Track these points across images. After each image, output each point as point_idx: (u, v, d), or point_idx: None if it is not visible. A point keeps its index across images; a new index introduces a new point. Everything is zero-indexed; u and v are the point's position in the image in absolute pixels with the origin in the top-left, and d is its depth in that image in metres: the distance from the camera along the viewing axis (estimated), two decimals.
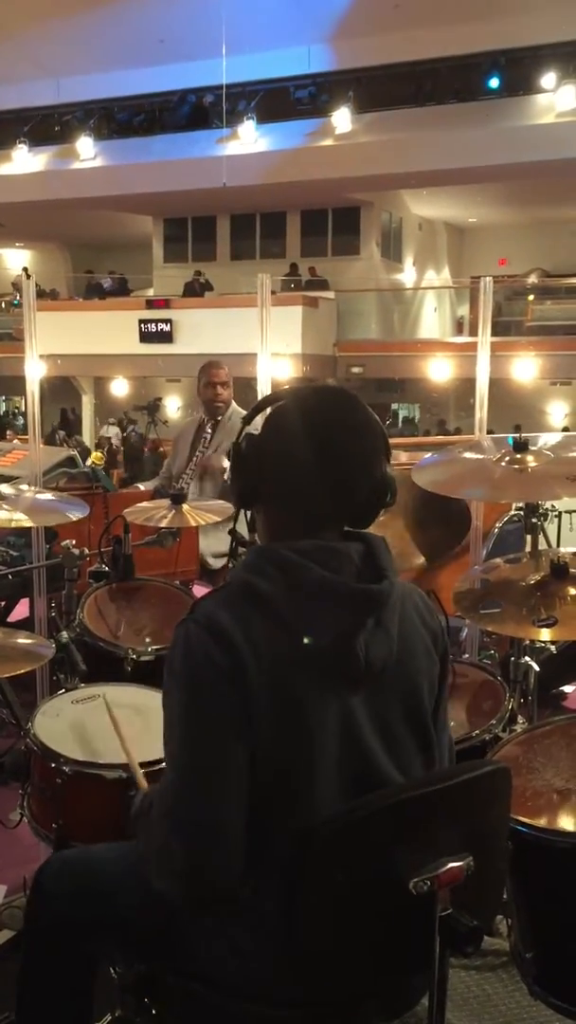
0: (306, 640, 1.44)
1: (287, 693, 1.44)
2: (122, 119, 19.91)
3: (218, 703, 1.42)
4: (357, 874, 1.42)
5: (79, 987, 1.78)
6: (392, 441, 1.66)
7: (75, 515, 2.92)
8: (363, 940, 1.44)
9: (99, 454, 4.99)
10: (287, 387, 1.63)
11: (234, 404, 4.69)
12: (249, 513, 1.70)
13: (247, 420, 1.66)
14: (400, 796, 1.46)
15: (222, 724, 1.42)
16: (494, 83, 16.51)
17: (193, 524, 3.25)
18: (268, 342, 3.64)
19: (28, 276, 3.67)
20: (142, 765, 2.08)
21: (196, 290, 19.96)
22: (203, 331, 17.49)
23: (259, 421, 1.65)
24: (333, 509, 1.54)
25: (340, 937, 1.43)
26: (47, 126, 20.36)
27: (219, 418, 4.67)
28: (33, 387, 3.64)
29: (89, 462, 5.08)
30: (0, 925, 2.52)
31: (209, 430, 4.71)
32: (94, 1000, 1.82)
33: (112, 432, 20.16)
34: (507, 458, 2.65)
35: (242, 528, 2.99)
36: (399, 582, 1.57)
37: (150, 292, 21.76)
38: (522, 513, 3.39)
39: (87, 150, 19.50)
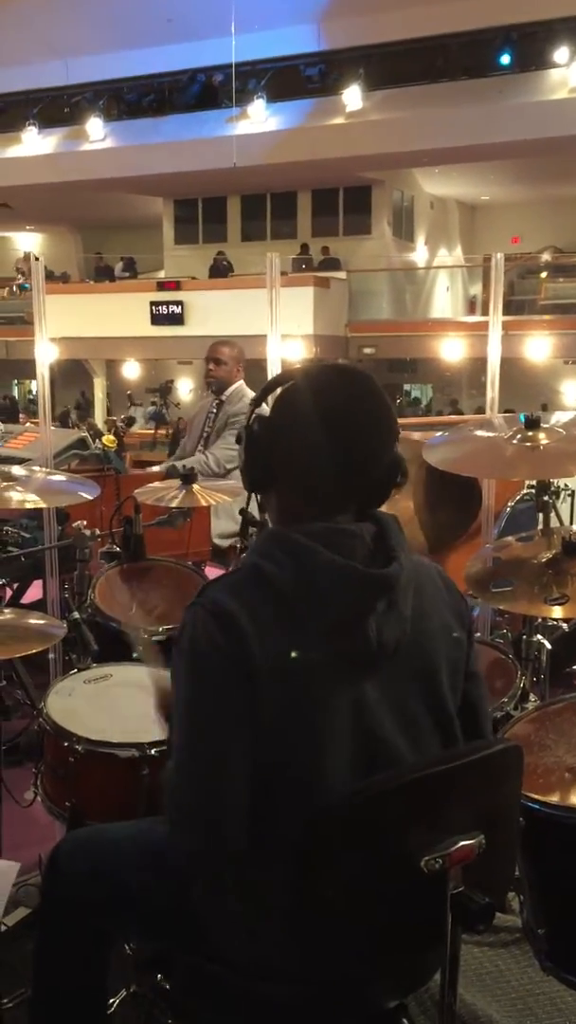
0: (314, 625, 1.44)
1: (295, 678, 1.43)
2: (131, 100, 19.82)
3: (222, 689, 1.42)
4: (369, 853, 1.42)
5: (94, 964, 1.79)
6: (403, 421, 1.66)
7: (87, 495, 2.92)
8: (376, 918, 1.45)
9: (111, 437, 4.98)
10: (296, 367, 1.61)
11: (241, 384, 4.68)
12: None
13: (256, 402, 1.64)
14: (412, 775, 1.45)
15: (225, 710, 1.42)
16: (505, 59, 16.34)
17: (204, 504, 3.25)
18: (278, 323, 3.62)
19: (36, 259, 3.66)
20: (155, 744, 2.10)
21: (221, 271, 19.78)
22: (214, 313, 17.45)
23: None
24: (346, 490, 1.52)
25: (353, 916, 1.44)
26: (56, 108, 20.30)
27: (222, 397, 4.67)
28: (44, 370, 3.64)
29: (100, 444, 5.08)
30: (16, 903, 2.54)
31: (214, 409, 4.72)
32: (109, 976, 1.84)
33: (138, 413, 20.19)
34: (519, 436, 2.63)
35: (252, 508, 3.00)
36: (417, 560, 1.56)
37: (161, 274, 21.72)
38: (534, 492, 3.37)
39: (97, 131, 19.44)
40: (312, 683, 1.44)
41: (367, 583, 1.46)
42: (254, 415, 1.58)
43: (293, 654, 1.43)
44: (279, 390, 1.58)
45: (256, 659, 1.41)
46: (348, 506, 1.54)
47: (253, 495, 1.93)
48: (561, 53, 15.86)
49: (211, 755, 1.43)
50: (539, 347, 16.67)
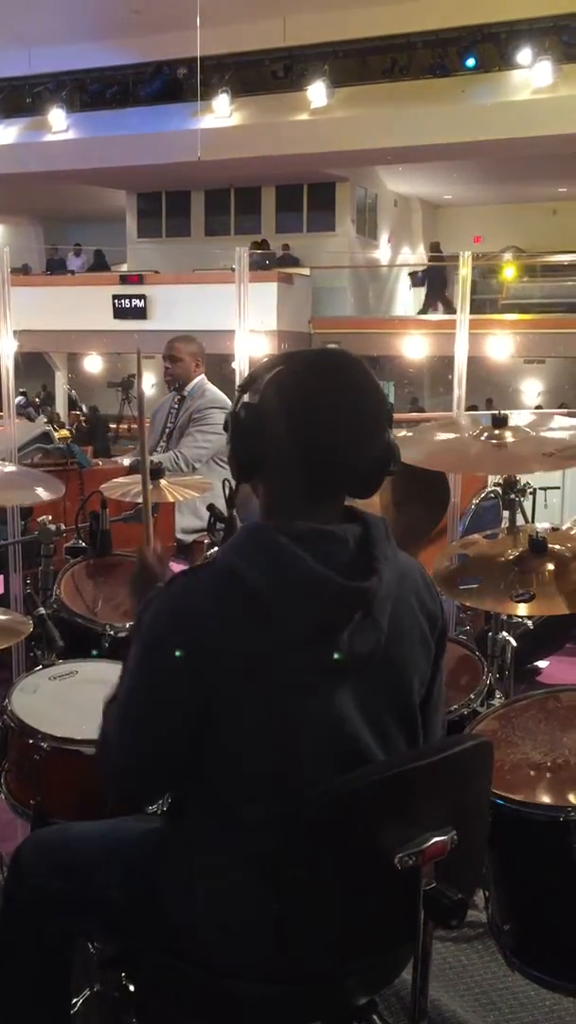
0: (286, 630, 1.42)
1: (261, 677, 1.42)
2: (95, 91, 19.62)
3: (171, 671, 1.44)
4: (342, 850, 1.42)
5: (57, 963, 1.77)
6: None
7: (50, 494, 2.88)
8: (348, 915, 1.44)
9: (66, 431, 4.94)
10: (284, 353, 1.57)
11: (202, 379, 4.67)
12: (228, 488, 1.68)
13: (243, 388, 1.56)
14: (385, 772, 1.45)
15: (169, 685, 1.46)
16: (470, 61, 16.42)
17: (171, 499, 3.23)
18: (246, 317, 3.61)
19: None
20: None
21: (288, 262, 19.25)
22: (178, 307, 17.37)
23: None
24: (336, 478, 1.50)
25: (325, 913, 1.43)
26: (18, 97, 20.05)
27: (184, 393, 4.66)
28: (7, 363, 3.59)
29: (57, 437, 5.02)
30: None
31: (176, 405, 4.71)
32: (72, 976, 1.82)
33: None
34: (485, 434, 2.65)
35: (220, 504, 2.99)
36: (403, 562, 1.55)
37: (124, 267, 21.57)
38: (498, 490, 3.39)
39: (59, 122, 19.19)
40: (279, 684, 1.43)
41: (344, 596, 1.43)
42: (240, 402, 1.53)
43: (261, 659, 1.42)
44: (266, 376, 1.52)
45: (219, 661, 1.41)
46: (339, 494, 1.52)
47: (223, 489, 1.90)
48: (524, 55, 15.96)
49: (151, 717, 1.49)
50: (500, 346, 16.80)
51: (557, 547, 2.51)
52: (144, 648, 1.48)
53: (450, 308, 19.16)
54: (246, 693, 1.42)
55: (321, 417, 1.46)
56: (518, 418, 2.75)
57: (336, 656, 1.44)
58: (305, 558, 1.42)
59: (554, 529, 2.70)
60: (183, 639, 1.41)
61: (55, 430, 4.98)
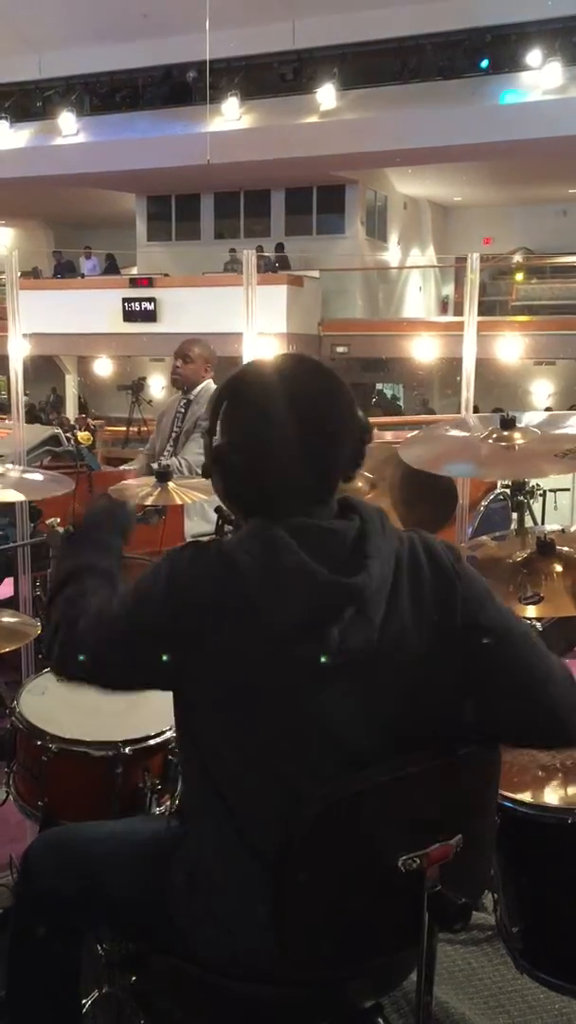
0: (273, 623, 1.42)
1: (246, 673, 1.42)
2: (105, 95, 19.71)
3: (155, 626, 1.47)
4: (345, 852, 1.42)
5: (67, 964, 1.78)
6: (376, 420, 1.62)
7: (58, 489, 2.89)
8: (352, 917, 1.44)
9: (87, 434, 4.96)
10: (233, 372, 1.58)
11: (209, 383, 4.66)
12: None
13: (209, 433, 1.57)
14: (389, 774, 1.44)
15: (152, 641, 1.47)
16: (480, 62, 16.43)
17: (179, 502, 3.23)
18: (254, 320, 3.61)
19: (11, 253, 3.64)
20: (129, 743, 2.09)
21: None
22: (187, 310, 17.39)
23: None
24: (321, 470, 1.50)
25: (329, 915, 1.43)
26: (29, 101, 20.16)
27: (190, 396, 4.66)
28: (17, 366, 3.61)
29: (73, 441, 5.04)
30: None
31: (182, 408, 4.71)
32: (81, 977, 1.82)
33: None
34: (494, 435, 2.64)
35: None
36: (408, 541, 1.52)
37: (134, 270, 21.62)
38: (507, 491, 3.37)
39: (69, 126, 19.28)
40: (264, 678, 1.42)
41: (333, 591, 1.42)
42: (212, 445, 1.54)
43: (247, 647, 1.42)
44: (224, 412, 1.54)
45: (203, 636, 1.43)
46: (330, 483, 1.52)
47: None
48: (534, 55, 15.95)
49: (131, 637, 1.50)
50: (510, 347, 16.76)
51: (566, 549, 2.50)
52: (138, 597, 1.52)
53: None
54: (232, 684, 1.42)
55: (294, 413, 1.47)
56: (528, 419, 2.74)
57: (323, 653, 1.42)
58: (295, 549, 1.42)
59: (563, 531, 2.69)
60: (174, 603, 1.45)
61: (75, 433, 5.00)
